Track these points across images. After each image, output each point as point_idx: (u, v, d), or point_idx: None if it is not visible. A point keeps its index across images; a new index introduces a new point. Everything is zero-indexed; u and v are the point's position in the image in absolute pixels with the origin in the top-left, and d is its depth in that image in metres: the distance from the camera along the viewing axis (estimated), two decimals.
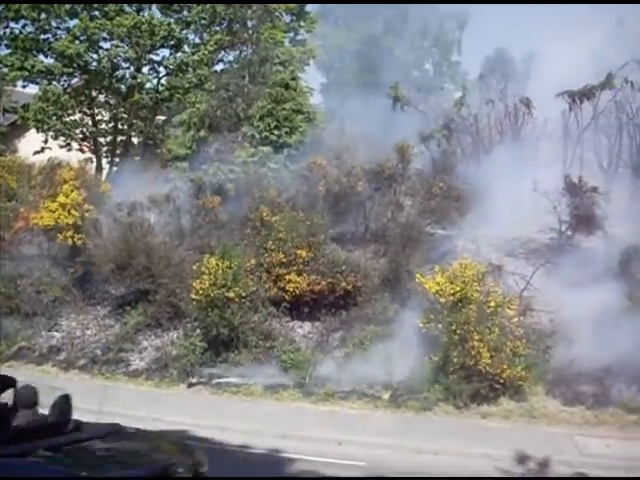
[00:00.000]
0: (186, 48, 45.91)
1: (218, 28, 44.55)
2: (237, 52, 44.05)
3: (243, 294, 27.94)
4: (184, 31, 45.28)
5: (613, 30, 52.94)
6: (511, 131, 37.84)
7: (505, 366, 25.04)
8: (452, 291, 26.10)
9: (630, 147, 38.41)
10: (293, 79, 40.35)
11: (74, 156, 41.30)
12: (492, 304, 26.14)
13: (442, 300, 26.23)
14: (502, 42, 67.77)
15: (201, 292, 27.71)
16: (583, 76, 38.33)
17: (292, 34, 49.51)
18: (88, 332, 30.80)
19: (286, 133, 37.34)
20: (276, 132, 37.36)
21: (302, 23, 49.02)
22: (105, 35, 42.81)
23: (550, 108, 38.04)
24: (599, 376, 25.60)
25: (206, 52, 43.56)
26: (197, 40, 46.39)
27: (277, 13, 44.00)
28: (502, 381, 25.16)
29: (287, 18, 47.80)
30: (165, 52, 45.58)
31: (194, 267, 28.73)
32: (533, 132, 38.21)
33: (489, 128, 37.92)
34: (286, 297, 29.04)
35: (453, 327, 25.43)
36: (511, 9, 60.42)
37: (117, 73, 44.50)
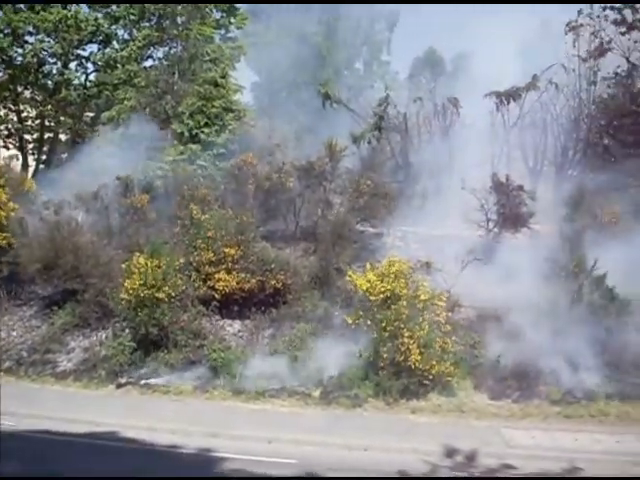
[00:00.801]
0: (115, 44, 45.29)
1: (147, 24, 44.05)
2: (167, 48, 43.69)
3: (173, 293, 27.71)
4: (113, 26, 44.67)
5: (540, 32, 54.13)
6: (439, 130, 38.29)
7: (434, 362, 25.40)
8: (382, 288, 26.33)
9: (554, 146, 39.28)
10: (223, 77, 40.17)
11: None
12: (421, 301, 26.50)
13: (372, 297, 26.43)
14: (432, 42, 68.81)
15: (131, 292, 27.38)
16: (511, 77, 39.17)
17: (222, 31, 49.22)
18: (14, 333, 30.14)
19: (216, 131, 37.18)
20: (206, 130, 37.14)
21: (232, 20, 48.82)
22: (31, 29, 41.90)
23: (478, 108, 38.68)
24: (525, 370, 26.09)
25: (135, 48, 43.08)
26: (126, 36, 45.82)
27: (207, 10, 43.71)
28: (431, 377, 25.51)
29: (217, 15, 47.51)
30: (93, 48, 44.93)
31: (123, 266, 28.35)
32: (461, 131, 38.75)
33: (418, 127, 38.30)
34: (216, 296, 28.90)
35: (384, 324, 25.65)
36: (441, 10, 61.05)
37: (43, 68, 43.67)
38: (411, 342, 25.25)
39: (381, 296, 26.26)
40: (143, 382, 27.21)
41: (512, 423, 24.64)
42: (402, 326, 25.48)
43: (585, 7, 38.29)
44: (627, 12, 36.85)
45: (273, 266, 29.07)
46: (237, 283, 28.68)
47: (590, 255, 27.11)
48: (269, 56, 68.11)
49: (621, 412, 25.08)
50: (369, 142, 37.80)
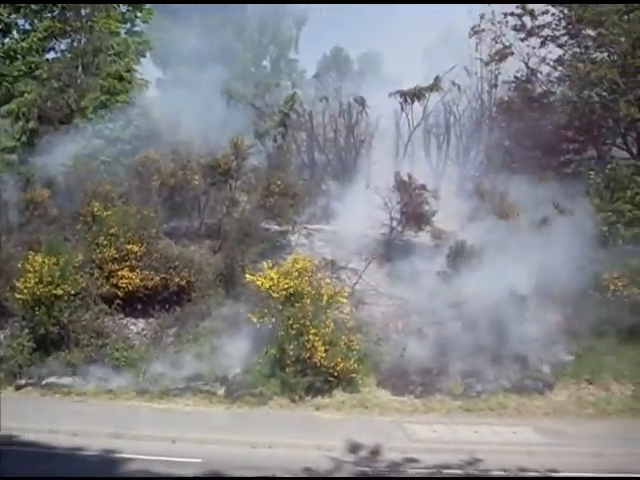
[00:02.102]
0: (15, 34, 43.87)
1: (50, 15, 42.84)
2: (70, 41, 42.53)
3: (72, 291, 27.12)
4: (12, 16, 43.21)
5: (445, 35, 55.24)
6: (345, 129, 38.63)
7: (339, 359, 25.64)
8: (285, 286, 26.44)
9: (457, 147, 40.15)
10: (128, 71, 39.54)
11: None
12: (325, 298, 26.73)
13: (275, 295, 26.51)
14: (339, 41, 69.43)
15: (26, 291, 26.66)
16: (416, 77, 39.93)
17: (128, 25, 48.26)
18: None
19: (120, 126, 36.48)
20: (110, 125, 36.43)
21: (138, 14, 47.88)
22: None
23: (383, 107, 39.21)
24: (427, 366, 26.63)
25: (36, 39, 41.81)
26: (27, 26, 44.37)
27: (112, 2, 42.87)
28: (336, 374, 25.75)
29: (123, 8, 46.60)
30: None
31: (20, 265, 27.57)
32: (366, 130, 39.18)
33: (324, 125, 38.54)
34: (119, 293, 28.42)
35: (290, 321, 25.79)
36: (349, 9, 61.71)
37: None
38: (316, 339, 25.45)
39: (284, 293, 26.36)
40: (44, 383, 26.51)
41: (415, 418, 25.16)
42: (308, 323, 25.66)
43: (487, 12, 39.28)
44: (527, 19, 37.94)
45: (177, 263, 28.78)
46: (141, 281, 28.28)
47: (490, 252, 27.88)
48: (175, 52, 67.28)
49: (519, 405, 26.07)
50: (274, 140, 37.83)
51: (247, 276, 27.52)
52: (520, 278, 26.46)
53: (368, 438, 22.30)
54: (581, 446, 22.77)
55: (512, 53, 39.18)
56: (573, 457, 21.92)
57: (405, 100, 39.28)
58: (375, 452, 21.69)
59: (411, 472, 20.63)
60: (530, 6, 37.61)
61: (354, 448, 21.79)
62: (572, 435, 23.75)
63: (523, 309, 26.44)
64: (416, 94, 38.95)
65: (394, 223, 33.02)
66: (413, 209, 32.18)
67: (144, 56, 47.45)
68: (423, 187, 32.46)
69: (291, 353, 25.69)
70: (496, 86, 40.79)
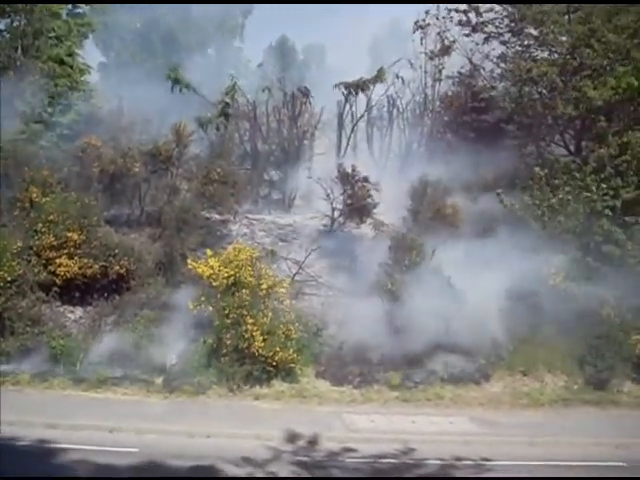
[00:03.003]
0: None
1: None
2: (9, 21, 41.49)
3: (8, 278, 26.57)
4: None
5: (390, 29, 55.62)
6: (288, 119, 38.55)
7: (278, 349, 25.72)
8: (225, 275, 26.37)
9: (400, 139, 40.40)
10: (69, 55, 38.85)
11: None
12: (264, 287, 26.75)
13: (215, 284, 26.42)
14: (284, 31, 69.26)
15: None
16: (362, 70, 40.03)
17: (70, 7, 47.28)
18: None
19: (60, 111, 35.84)
20: (49, 109, 35.76)
21: None
22: None
23: (327, 98, 39.26)
24: (366, 357, 26.85)
25: None
26: None
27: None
28: (275, 363, 25.83)
29: None
30: None
31: None
32: (310, 121, 39.16)
33: (267, 115, 38.41)
34: (57, 281, 27.91)
35: (226, 311, 25.75)
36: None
37: None
38: (254, 329, 25.48)
39: (224, 282, 26.31)
40: None
41: (353, 408, 25.46)
42: (245, 313, 25.67)
43: (432, 8, 39.51)
44: (472, 15, 38.26)
45: (117, 251, 28.39)
46: (79, 268, 27.83)
47: (431, 245, 28.21)
48: (118, 36, 66.33)
49: (455, 395, 26.61)
50: (217, 128, 37.56)
51: (189, 262, 27.35)
52: (461, 271, 26.83)
53: (306, 428, 22.48)
54: (515, 435, 23.41)
55: (455, 48, 39.49)
56: (507, 446, 22.47)
57: (349, 92, 39.33)
58: (313, 442, 21.87)
59: (348, 462, 20.80)
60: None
61: (292, 438, 21.94)
62: (506, 425, 24.35)
63: (462, 301, 26.78)
64: (360, 86, 39.01)
65: (336, 214, 33.15)
66: (355, 201, 32.35)
67: (86, 38, 46.57)
68: (366, 179, 32.63)
69: (228, 342, 25.66)
70: (440, 80, 41.07)
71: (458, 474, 20.17)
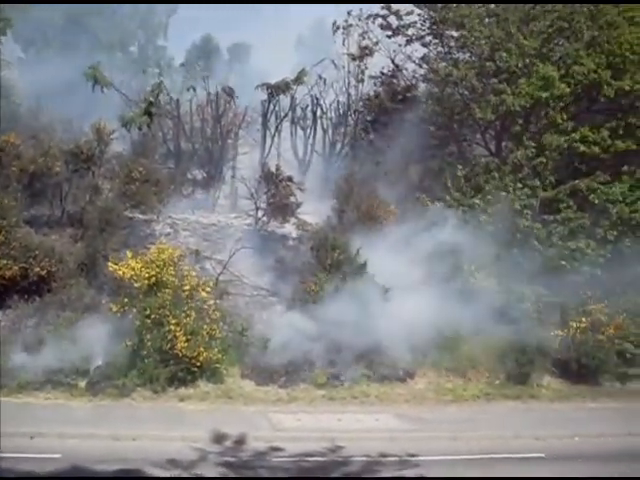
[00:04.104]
0: None
1: None
2: None
3: None
4: None
5: (315, 30, 55.75)
6: (212, 119, 38.34)
7: (202, 349, 25.54)
8: (147, 275, 26.09)
9: (323, 139, 40.61)
10: None
11: None
12: (187, 288, 26.59)
13: (137, 285, 26.12)
14: (209, 30, 68.67)
15: None
16: (286, 70, 40.04)
17: None
18: None
19: None
20: None
21: None
22: None
23: (252, 98, 39.20)
24: (291, 356, 26.88)
25: None
26: None
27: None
28: (199, 364, 25.63)
29: None
30: None
31: None
32: (234, 120, 39.02)
33: (191, 114, 38.11)
34: None
35: (147, 312, 25.50)
36: None
37: None
38: (177, 329, 25.27)
39: (146, 283, 26.03)
40: None
41: (279, 407, 25.48)
42: (168, 313, 25.45)
43: (355, 9, 39.78)
44: (392, 19, 38.65)
45: (37, 253, 27.77)
46: None
47: (355, 244, 28.45)
48: (40, 32, 64.66)
49: (380, 393, 26.87)
50: (139, 127, 36.98)
51: (109, 264, 26.93)
52: (383, 269, 27.13)
53: (233, 428, 22.35)
54: (439, 430, 23.83)
55: (378, 49, 39.84)
56: (431, 441, 22.83)
57: (272, 92, 39.33)
58: (240, 442, 21.76)
59: (275, 461, 20.78)
60: (395, 6, 38.36)
61: (219, 438, 21.79)
62: (431, 420, 24.76)
63: (386, 300, 27.09)
64: (282, 86, 39.07)
65: (260, 214, 33.12)
66: (279, 200, 32.41)
67: (4, 34, 45.33)
68: (289, 179, 32.76)
69: (151, 344, 25.39)
70: (363, 81, 41.40)
71: (384, 470, 20.35)
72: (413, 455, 21.19)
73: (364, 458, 21.00)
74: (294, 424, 23.98)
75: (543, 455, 22.25)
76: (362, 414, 25.10)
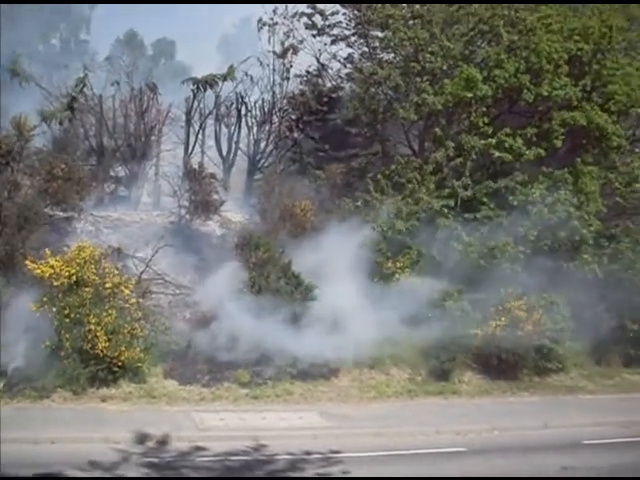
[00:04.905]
0: None
1: None
2: None
3: None
4: None
5: (241, 27, 55.47)
6: (136, 115, 37.79)
7: (123, 348, 25.24)
8: (67, 274, 25.57)
9: (248, 137, 40.52)
10: None
11: None
12: (108, 286, 26.18)
13: (56, 283, 25.57)
14: (133, 25, 67.81)
15: None
16: (212, 66, 39.77)
17: None
18: None
19: None
20: None
21: None
22: None
23: (176, 94, 38.82)
24: (215, 355, 26.76)
25: None
26: None
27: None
28: (121, 364, 25.34)
29: None
30: None
31: None
32: (158, 117, 38.58)
33: (114, 110, 37.50)
34: None
35: (67, 311, 25.04)
36: None
37: None
38: (98, 328, 24.89)
39: (66, 281, 25.54)
40: None
41: (203, 407, 25.40)
42: (88, 312, 25.08)
43: (281, 7, 39.71)
44: (317, 18, 38.73)
45: None
46: None
47: (277, 242, 28.49)
48: None
49: (304, 391, 27.08)
50: (61, 123, 36.31)
51: (28, 263, 26.30)
52: (307, 268, 27.26)
53: (156, 428, 22.17)
54: (362, 427, 24.13)
55: (303, 48, 39.90)
56: (355, 438, 23.13)
57: (197, 88, 39.02)
58: (163, 442, 21.63)
59: (199, 461, 20.68)
60: (320, 6, 38.48)
61: (142, 439, 21.60)
62: (354, 417, 25.04)
63: (309, 298, 27.19)
64: (208, 83, 38.80)
65: (183, 211, 32.87)
66: (202, 198, 32.21)
67: None
68: (213, 176, 32.60)
69: (69, 344, 24.92)
70: (288, 79, 41.40)
71: (308, 468, 20.45)
72: (337, 452, 21.39)
73: (288, 456, 21.09)
74: (218, 423, 23.91)
75: (464, 449, 22.71)
76: (286, 412, 25.21)
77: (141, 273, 29.21)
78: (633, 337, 31.39)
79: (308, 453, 21.35)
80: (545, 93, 32.36)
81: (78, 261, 25.88)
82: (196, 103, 39.33)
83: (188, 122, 39.36)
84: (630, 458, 22.37)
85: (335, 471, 20.12)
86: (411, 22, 34.73)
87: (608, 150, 33.48)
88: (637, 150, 35.94)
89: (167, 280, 30.12)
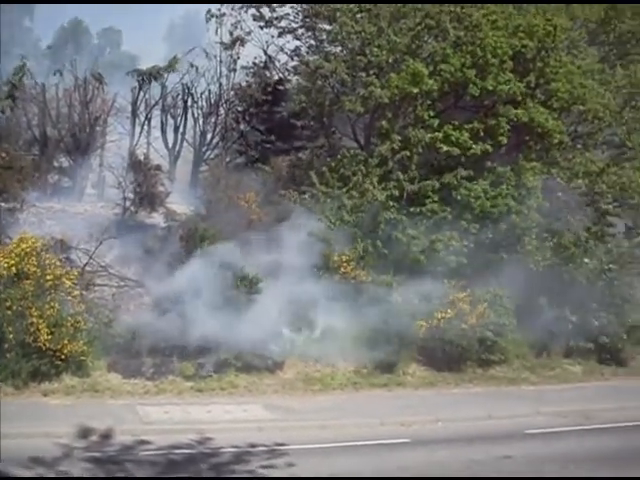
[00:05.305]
0: None
1: None
2: None
3: None
4: None
5: (188, 15, 54.93)
6: (80, 104, 37.25)
7: (66, 341, 24.86)
8: (6, 265, 25.13)
9: (194, 129, 40.27)
10: None
11: None
12: (50, 278, 25.78)
13: None
14: (78, 13, 66.79)
15: None
16: (158, 57, 39.38)
17: None
18: None
19: None
20: None
21: None
22: None
23: (121, 84, 38.41)
24: (159, 348, 26.59)
25: None
26: None
27: None
28: (63, 357, 24.94)
29: None
30: None
31: None
32: (103, 107, 38.11)
33: (57, 99, 36.91)
34: None
35: (8, 303, 24.58)
36: None
37: None
38: (40, 321, 24.49)
39: (6, 273, 25.09)
40: None
41: (147, 400, 25.15)
42: (29, 305, 24.66)
43: None
44: (265, 10, 38.54)
45: None
46: None
47: (222, 235, 28.33)
48: None
49: (249, 383, 27.01)
50: (2, 112, 35.61)
51: None
52: (252, 261, 27.20)
53: (99, 422, 21.89)
54: (307, 420, 24.18)
55: (251, 39, 39.72)
56: (300, 430, 23.13)
57: (143, 79, 38.65)
58: (106, 436, 21.39)
59: (143, 454, 20.49)
60: None
61: (85, 433, 21.31)
62: (299, 410, 25.08)
63: (255, 292, 27.13)
64: (153, 74, 38.46)
65: (127, 203, 32.53)
66: (147, 189, 31.93)
67: None
68: (158, 168, 32.35)
69: (12, 337, 24.44)
70: (235, 71, 41.21)
71: (253, 460, 20.44)
72: (282, 444, 21.39)
73: (233, 449, 21.04)
74: (162, 416, 23.71)
75: (408, 440, 22.92)
76: (231, 405, 25.12)
77: (84, 265, 28.84)
78: (573, 329, 32.03)
79: (253, 446, 21.32)
80: (490, 87, 32.73)
81: (18, 252, 25.45)
82: (142, 94, 39.02)
83: (134, 113, 39.02)
84: (569, 446, 23.02)
85: (280, 463, 20.13)
86: (358, 15, 34.74)
87: (550, 146, 34.05)
88: (579, 146, 36.55)
89: (111, 272, 29.75)
